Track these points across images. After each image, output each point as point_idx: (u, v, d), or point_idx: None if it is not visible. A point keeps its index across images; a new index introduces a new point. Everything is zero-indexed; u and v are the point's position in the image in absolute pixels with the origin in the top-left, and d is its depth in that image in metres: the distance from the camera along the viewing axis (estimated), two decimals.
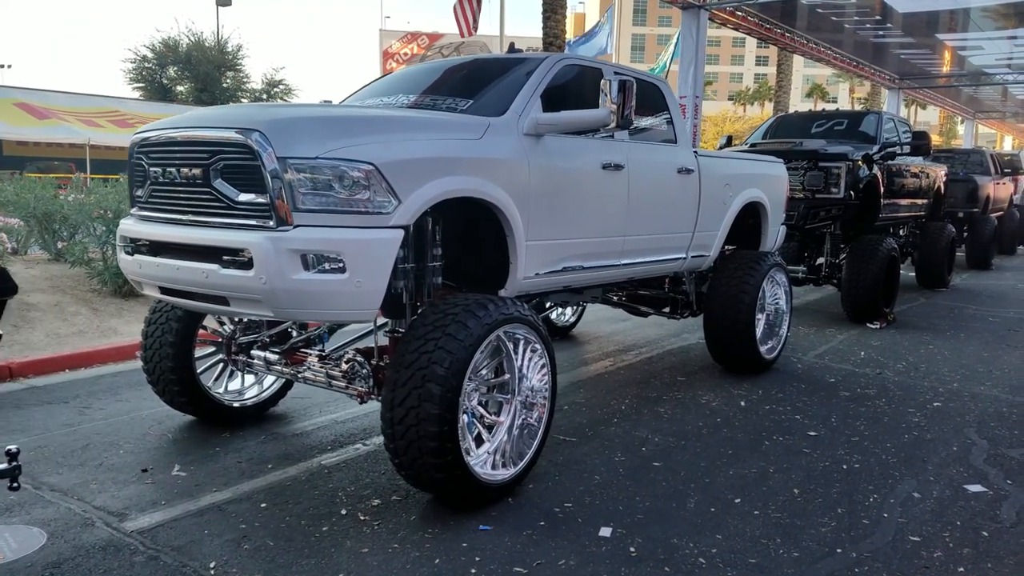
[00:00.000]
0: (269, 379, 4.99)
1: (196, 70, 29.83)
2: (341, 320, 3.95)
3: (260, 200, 3.28)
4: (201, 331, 4.69)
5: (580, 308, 7.79)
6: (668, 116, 5.50)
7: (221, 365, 4.80)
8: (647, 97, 5.40)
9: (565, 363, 6.53)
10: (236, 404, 4.81)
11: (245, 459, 4.26)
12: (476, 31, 17.24)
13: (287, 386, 5.09)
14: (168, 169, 3.59)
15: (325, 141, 3.29)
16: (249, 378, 5.00)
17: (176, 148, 3.58)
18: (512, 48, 5.04)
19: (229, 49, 31.75)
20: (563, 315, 7.66)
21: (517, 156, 4.04)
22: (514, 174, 4.00)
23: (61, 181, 11.20)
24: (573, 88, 4.69)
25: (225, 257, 3.34)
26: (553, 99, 4.45)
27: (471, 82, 4.71)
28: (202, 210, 3.48)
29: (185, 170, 3.50)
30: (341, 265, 3.26)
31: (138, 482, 3.95)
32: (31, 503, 3.66)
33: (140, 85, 31.69)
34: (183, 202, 3.57)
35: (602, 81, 4.07)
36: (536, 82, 4.35)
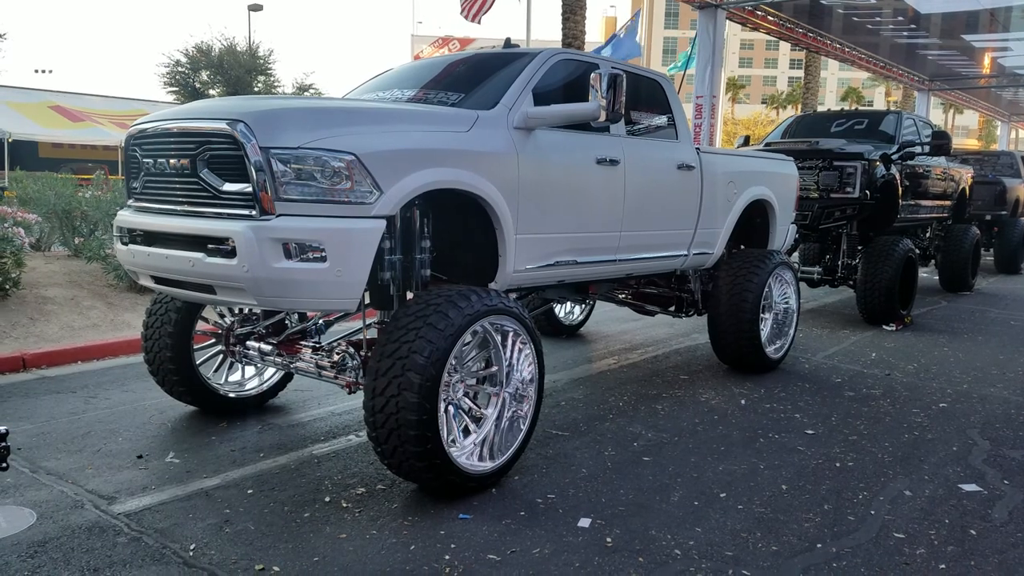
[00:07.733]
0: (269, 371, 5.07)
1: (228, 74, 30.29)
2: (322, 308, 3.99)
3: (244, 189, 3.34)
4: (203, 323, 4.79)
5: (589, 307, 7.78)
6: (669, 112, 5.48)
7: (221, 357, 4.89)
8: (648, 93, 5.39)
9: (569, 360, 6.53)
10: (234, 395, 4.89)
11: (239, 448, 4.33)
12: (480, 20, 15.98)
13: (287, 378, 5.16)
14: (159, 160, 3.67)
15: (308, 132, 3.34)
16: (250, 370, 5.08)
17: (166, 139, 3.66)
18: (508, 43, 5.05)
19: (260, 54, 32.16)
20: (571, 314, 7.66)
21: (506, 149, 4.05)
22: (503, 167, 4.02)
23: (82, 180, 11.41)
24: (569, 83, 4.69)
25: (210, 246, 3.40)
26: (548, 94, 4.46)
27: (466, 77, 4.74)
28: (190, 200, 3.55)
29: (174, 160, 3.58)
30: (322, 254, 3.30)
31: (132, 468, 4.03)
32: (27, 486, 3.75)
33: (174, 89, 32.26)
34: (173, 192, 3.65)
35: (592, 75, 4.06)
36: (528, 77, 4.36)
